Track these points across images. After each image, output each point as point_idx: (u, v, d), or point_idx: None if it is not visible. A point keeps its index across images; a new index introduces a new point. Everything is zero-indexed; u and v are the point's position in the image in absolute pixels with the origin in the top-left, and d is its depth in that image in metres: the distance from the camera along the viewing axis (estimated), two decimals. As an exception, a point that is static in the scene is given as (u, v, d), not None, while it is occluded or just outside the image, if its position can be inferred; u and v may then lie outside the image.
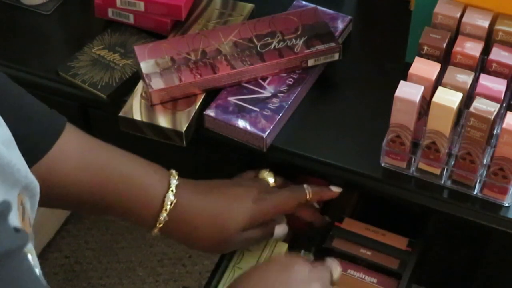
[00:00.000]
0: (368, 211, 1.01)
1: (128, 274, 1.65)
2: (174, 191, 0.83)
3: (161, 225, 0.83)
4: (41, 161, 0.78)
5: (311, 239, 0.95)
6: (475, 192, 0.87)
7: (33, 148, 0.77)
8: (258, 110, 0.93)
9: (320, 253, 0.93)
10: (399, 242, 0.93)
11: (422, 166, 0.88)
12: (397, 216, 0.97)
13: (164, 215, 0.83)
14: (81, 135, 0.84)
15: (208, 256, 1.66)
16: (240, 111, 0.92)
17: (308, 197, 0.90)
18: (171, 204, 0.83)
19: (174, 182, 0.84)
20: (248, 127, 0.91)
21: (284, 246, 0.93)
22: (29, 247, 0.54)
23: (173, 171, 0.86)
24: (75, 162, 0.81)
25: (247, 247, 0.91)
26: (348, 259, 0.92)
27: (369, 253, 0.92)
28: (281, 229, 0.91)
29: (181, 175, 0.86)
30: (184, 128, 0.91)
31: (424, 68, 0.84)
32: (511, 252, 0.94)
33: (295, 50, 0.96)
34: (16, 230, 0.51)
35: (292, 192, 0.90)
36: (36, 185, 0.61)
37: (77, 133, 0.83)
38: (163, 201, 0.83)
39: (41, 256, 1.67)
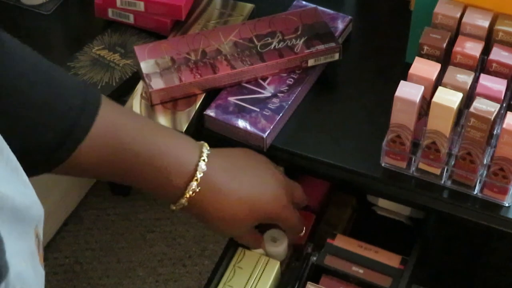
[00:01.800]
0: (361, 227, 1.01)
1: (128, 274, 1.65)
2: (206, 160, 0.82)
3: (190, 195, 0.81)
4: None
5: (303, 256, 0.94)
6: (475, 192, 0.87)
7: (72, 129, 0.75)
8: (258, 110, 0.93)
9: (313, 271, 0.92)
10: (392, 259, 0.92)
11: (422, 166, 0.88)
12: (390, 232, 0.96)
13: (194, 184, 0.81)
14: (115, 108, 0.82)
15: (208, 256, 1.66)
16: (240, 111, 0.92)
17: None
18: (202, 173, 0.81)
19: (206, 152, 0.83)
20: (248, 127, 0.91)
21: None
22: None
23: (204, 142, 0.85)
24: (104, 132, 0.78)
25: (251, 242, 0.91)
26: (340, 277, 0.91)
27: (361, 271, 0.91)
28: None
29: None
30: (184, 128, 0.91)
31: (424, 68, 0.84)
32: (511, 252, 0.94)
33: (295, 50, 0.96)
34: None
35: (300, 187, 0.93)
36: (42, 210, 0.58)
37: (111, 107, 0.80)
38: (195, 170, 0.81)
39: (41, 256, 1.66)
